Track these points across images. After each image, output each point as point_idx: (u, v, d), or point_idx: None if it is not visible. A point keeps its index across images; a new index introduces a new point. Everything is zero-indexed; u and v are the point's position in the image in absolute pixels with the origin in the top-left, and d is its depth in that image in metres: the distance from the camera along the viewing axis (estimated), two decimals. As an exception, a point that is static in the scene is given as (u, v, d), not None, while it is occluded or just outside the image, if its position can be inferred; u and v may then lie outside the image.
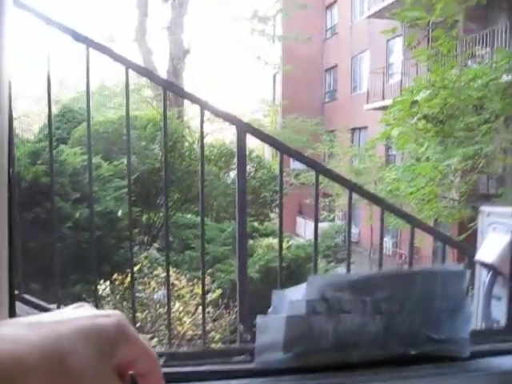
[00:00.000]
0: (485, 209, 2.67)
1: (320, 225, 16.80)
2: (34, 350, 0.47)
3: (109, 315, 0.55)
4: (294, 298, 0.93)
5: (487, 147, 9.59)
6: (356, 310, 0.92)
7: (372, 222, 15.62)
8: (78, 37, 2.67)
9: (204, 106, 2.98)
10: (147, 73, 3.17)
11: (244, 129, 3.00)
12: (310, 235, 21.64)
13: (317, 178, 3.15)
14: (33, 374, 0.46)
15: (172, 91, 3.04)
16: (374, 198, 3.42)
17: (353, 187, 3.33)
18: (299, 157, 3.22)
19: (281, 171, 3.19)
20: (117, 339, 0.53)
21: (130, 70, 2.92)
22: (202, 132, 3.18)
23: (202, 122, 3.07)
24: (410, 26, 11.70)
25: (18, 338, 0.48)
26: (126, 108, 3.11)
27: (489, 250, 2.47)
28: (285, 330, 0.90)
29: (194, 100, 3.03)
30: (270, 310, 0.96)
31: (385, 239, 20.18)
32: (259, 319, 0.93)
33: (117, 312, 0.56)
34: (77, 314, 0.55)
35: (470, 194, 12.59)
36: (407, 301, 0.94)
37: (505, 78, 10.10)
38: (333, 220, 23.56)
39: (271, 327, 0.92)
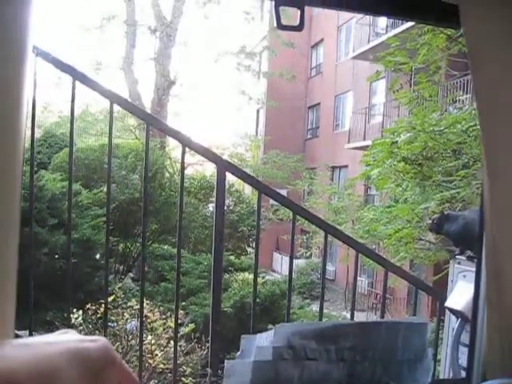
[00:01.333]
0: (460, 257, 2.73)
1: (297, 261, 16.83)
2: (22, 368, 0.51)
3: (94, 340, 0.58)
4: (261, 343, 0.97)
5: (464, 192, 9.74)
6: (321, 358, 0.96)
7: (348, 262, 15.64)
8: (64, 68, 2.72)
9: (186, 144, 3.03)
10: (132, 108, 3.22)
11: (224, 167, 3.05)
12: (286, 271, 21.57)
13: (293, 219, 3.20)
14: None
15: (155, 127, 3.09)
16: (349, 241, 3.47)
17: (328, 229, 3.39)
18: (277, 197, 3.28)
19: (258, 210, 3.24)
20: (102, 362, 0.57)
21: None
22: (182, 168, 3.22)
23: (183, 159, 3.11)
24: (393, 71, 11.93)
25: (8, 357, 0.51)
26: (108, 141, 3.15)
27: (458, 297, 2.53)
28: (251, 374, 0.94)
29: (177, 137, 3.09)
30: (238, 354, 1.00)
31: (360, 279, 20.21)
32: (227, 363, 0.96)
33: (102, 338, 0.60)
34: (64, 338, 0.58)
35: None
36: (370, 350, 0.98)
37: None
38: (309, 257, 23.58)
39: (238, 371, 0.95)
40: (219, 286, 3.18)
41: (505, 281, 0.87)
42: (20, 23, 0.94)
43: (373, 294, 20.19)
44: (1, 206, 0.95)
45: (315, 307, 17.68)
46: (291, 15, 1.24)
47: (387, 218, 13.19)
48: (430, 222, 11.81)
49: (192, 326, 6.93)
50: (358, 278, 17.03)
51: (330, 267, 23.77)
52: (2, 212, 0.95)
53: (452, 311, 2.53)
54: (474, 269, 2.68)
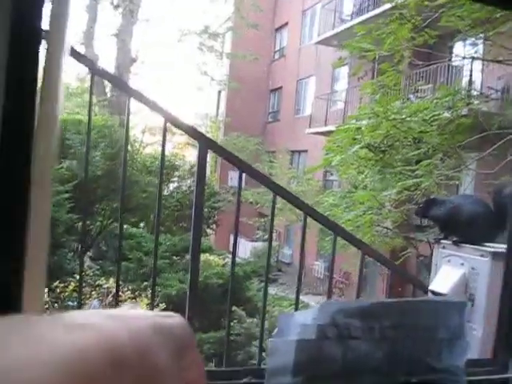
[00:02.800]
0: (445, 242, 2.75)
1: (254, 244, 16.92)
2: (123, 342, 0.45)
3: (172, 316, 0.53)
4: (302, 321, 0.93)
5: (426, 182, 9.85)
6: (364, 337, 0.93)
7: (305, 246, 15.70)
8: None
9: (168, 118, 2.95)
10: (114, 80, 3.13)
11: (206, 145, 2.99)
12: (242, 253, 21.67)
13: (274, 200, 3.17)
14: (127, 370, 0.44)
15: (139, 100, 2.99)
16: (327, 223, 3.46)
17: (308, 211, 3.36)
18: (259, 177, 3.24)
19: (239, 190, 3.20)
20: (184, 341, 0.52)
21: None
22: (163, 144, 3.15)
23: (165, 133, 3.04)
24: (358, 58, 11.97)
25: (105, 328, 0.45)
26: (88, 113, 3.05)
27: (443, 280, 2.55)
28: (295, 353, 0.90)
29: (159, 110, 3.00)
30: (274, 333, 0.96)
31: (317, 263, 20.39)
32: (270, 342, 0.93)
33: (177, 314, 0.54)
34: (142, 313, 0.53)
35: (404, 223, 12.88)
36: (411, 329, 0.96)
37: (445, 114, 10.43)
38: (266, 240, 23.63)
39: (282, 350, 0.92)
40: (197, 265, 3.13)
41: None
42: None
43: (328, 278, 20.37)
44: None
45: (272, 290, 17.79)
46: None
47: (347, 203, 13.30)
48: (390, 208, 11.86)
49: (163, 306, 6.86)
50: (315, 263, 17.14)
51: (286, 250, 23.91)
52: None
53: (436, 294, 2.54)
54: (459, 253, 2.71)
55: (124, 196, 3.07)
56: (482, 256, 2.42)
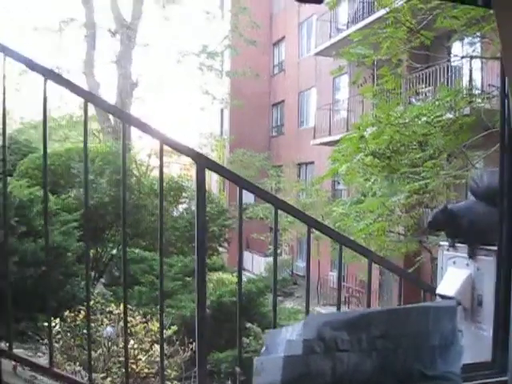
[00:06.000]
0: (444, 243, 2.71)
1: (268, 259, 16.84)
2: None
3: None
4: (288, 337, 0.91)
5: (433, 183, 9.78)
6: (352, 349, 0.91)
7: (319, 256, 15.64)
8: (34, 67, 2.61)
9: (163, 141, 2.95)
10: (108, 107, 3.14)
11: (204, 164, 2.98)
12: (256, 269, 21.60)
13: (276, 214, 3.15)
14: None
15: (133, 125, 2.99)
16: (333, 233, 3.44)
17: (312, 223, 3.34)
18: (259, 192, 3.23)
19: (240, 206, 3.18)
20: None
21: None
22: (161, 167, 3.14)
23: (162, 157, 3.04)
24: (357, 65, 11.96)
25: None
26: (84, 140, 3.06)
27: (449, 283, 2.52)
28: (282, 370, 0.88)
29: (155, 134, 3.00)
30: (262, 350, 0.94)
31: (331, 273, 20.28)
32: (256, 360, 0.91)
33: None
34: None
35: (415, 228, 12.79)
36: (401, 337, 0.94)
37: (448, 115, 10.38)
38: (280, 254, 23.58)
39: (268, 368, 0.90)
40: (204, 285, 3.11)
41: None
42: None
43: (344, 287, 20.25)
44: None
45: (288, 304, 17.66)
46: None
47: (356, 212, 13.24)
48: (400, 214, 11.80)
49: (174, 328, 6.82)
50: (329, 273, 17.03)
51: (300, 263, 23.81)
52: None
53: (444, 297, 2.51)
54: (463, 254, 2.67)
55: (125, 220, 3.06)
56: (485, 255, 2.39)
